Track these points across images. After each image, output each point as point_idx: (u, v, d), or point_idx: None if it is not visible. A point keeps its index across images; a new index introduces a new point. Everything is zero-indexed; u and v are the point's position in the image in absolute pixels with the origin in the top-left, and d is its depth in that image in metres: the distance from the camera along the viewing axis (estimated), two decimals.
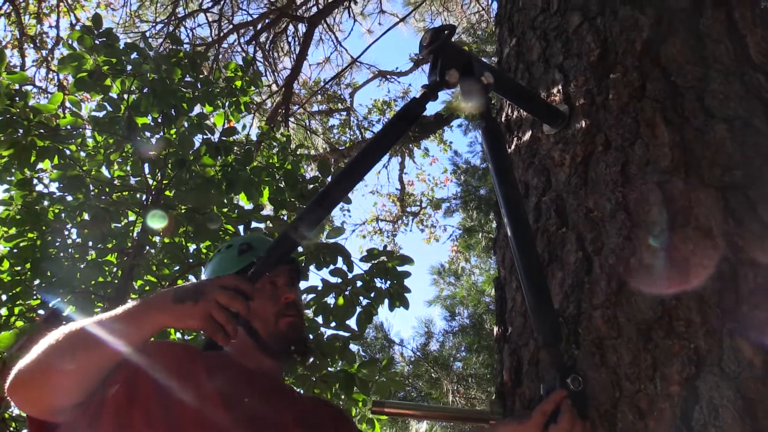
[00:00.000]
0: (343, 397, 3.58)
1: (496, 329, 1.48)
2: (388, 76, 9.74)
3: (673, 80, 1.33)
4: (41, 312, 3.58)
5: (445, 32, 1.27)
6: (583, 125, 1.40)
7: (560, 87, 1.52)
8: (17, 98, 3.54)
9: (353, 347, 3.66)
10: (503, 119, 1.77)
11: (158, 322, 1.06)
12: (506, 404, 1.30)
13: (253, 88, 4.66)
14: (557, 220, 1.34)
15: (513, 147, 1.64)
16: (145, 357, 1.11)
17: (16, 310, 3.56)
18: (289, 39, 8.01)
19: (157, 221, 3.41)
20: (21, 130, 3.47)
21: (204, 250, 4.01)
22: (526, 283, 1.13)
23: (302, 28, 7.78)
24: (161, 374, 1.12)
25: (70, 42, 3.84)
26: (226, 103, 4.39)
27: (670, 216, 1.17)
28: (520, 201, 1.25)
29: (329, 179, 3.94)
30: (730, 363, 0.99)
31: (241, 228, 3.81)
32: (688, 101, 1.30)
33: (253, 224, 3.85)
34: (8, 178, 3.79)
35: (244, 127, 5.56)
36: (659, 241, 1.16)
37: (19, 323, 3.34)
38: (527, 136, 1.58)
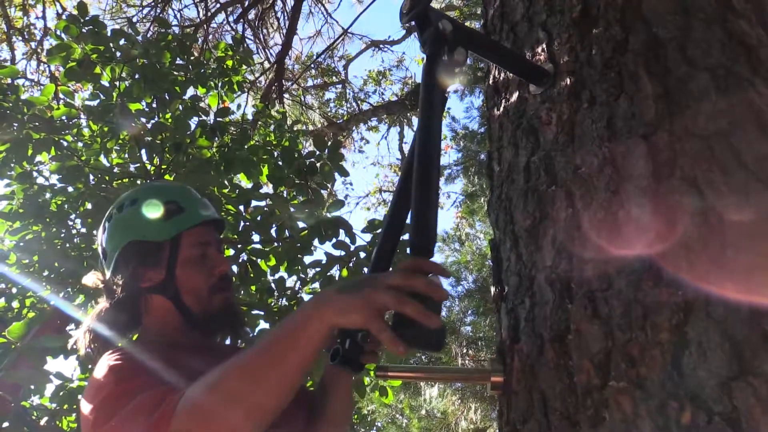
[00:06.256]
0: None
1: (493, 290, 1.50)
2: (381, 46, 9.67)
3: (654, 32, 1.33)
4: (52, 303, 3.64)
5: None
6: (568, 83, 1.41)
7: (544, 46, 1.52)
8: (9, 92, 3.54)
9: None
10: (491, 82, 1.77)
11: (324, 319, 0.94)
12: (506, 361, 1.33)
13: (244, 66, 4.64)
14: (547, 179, 1.36)
15: (501, 109, 1.65)
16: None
17: (27, 302, 3.62)
18: (278, 14, 7.93)
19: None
20: (16, 124, 3.48)
21: None
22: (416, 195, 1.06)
23: (290, 2, 7.69)
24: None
25: (57, 32, 3.82)
26: (219, 84, 4.39)
27: (656, 168, 1.18)
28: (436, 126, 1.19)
29: (326, 153, 3.95)
30: (717, 308, 1.01)
31: (241, 207, 3.84)
32: (670, 52, 1.30)
33: (254, 203, 3.87)
34: (8, 173, 3.81)
35: (238, 106, 5.55)
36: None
37: (31, 314, 3.40)
38: (514, 97, 1.59)
